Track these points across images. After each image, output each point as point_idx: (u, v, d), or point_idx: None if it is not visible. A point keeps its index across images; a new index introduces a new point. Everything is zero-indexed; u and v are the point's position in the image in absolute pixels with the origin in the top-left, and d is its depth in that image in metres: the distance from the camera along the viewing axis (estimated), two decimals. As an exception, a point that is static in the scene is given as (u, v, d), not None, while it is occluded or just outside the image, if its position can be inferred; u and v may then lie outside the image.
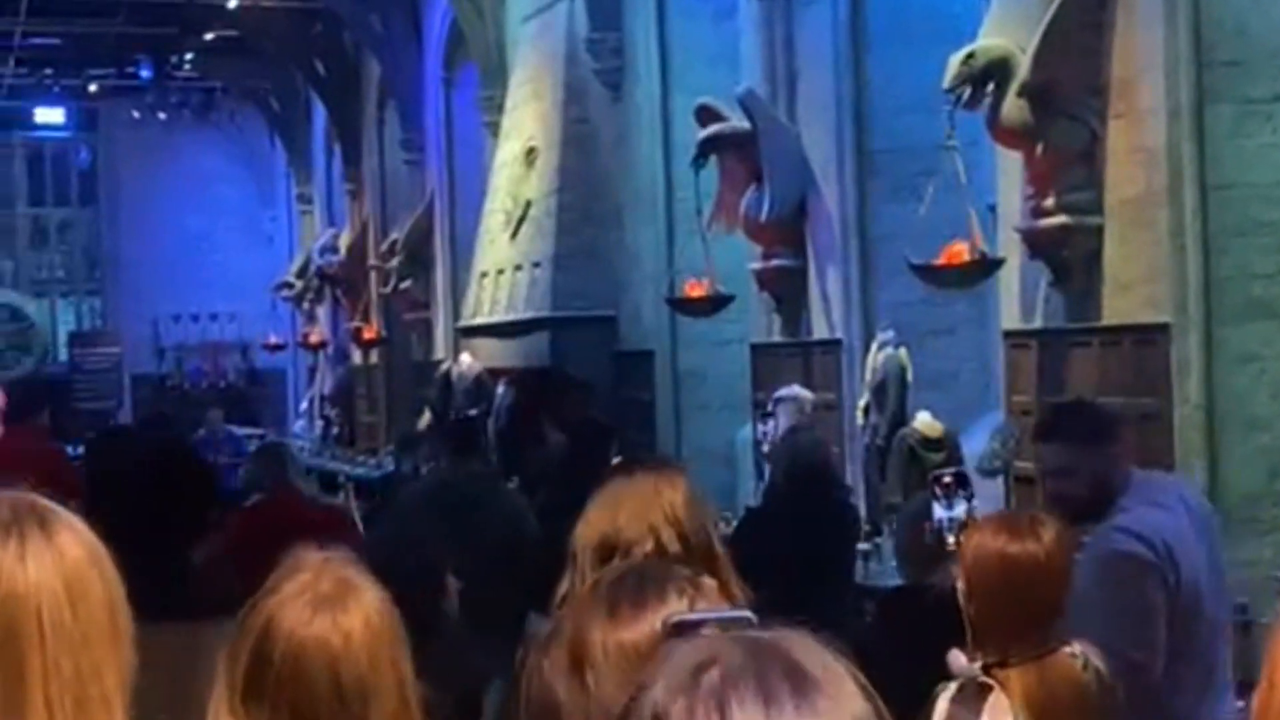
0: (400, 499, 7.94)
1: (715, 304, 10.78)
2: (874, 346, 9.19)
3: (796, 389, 8.97)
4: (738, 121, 10.11)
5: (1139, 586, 3.55)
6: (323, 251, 22.18)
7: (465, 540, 5.33)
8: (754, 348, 10.81)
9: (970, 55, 7.43)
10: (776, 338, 10.52)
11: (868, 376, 9.14)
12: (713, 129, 10.19)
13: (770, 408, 8.64)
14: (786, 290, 10.29)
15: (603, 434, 7.70)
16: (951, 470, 4.06)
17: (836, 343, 9.84)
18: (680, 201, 12.13)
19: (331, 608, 1.96)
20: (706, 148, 10.25)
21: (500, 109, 15.37)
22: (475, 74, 16.55)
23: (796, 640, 1.05)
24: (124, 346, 28.18)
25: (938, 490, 3.88)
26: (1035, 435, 4.34)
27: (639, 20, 12.86)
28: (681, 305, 11.18)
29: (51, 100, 27.57)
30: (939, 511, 3.85)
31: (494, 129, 15.65)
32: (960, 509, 3.82)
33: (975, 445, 8.17)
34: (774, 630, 1.08)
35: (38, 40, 23.74)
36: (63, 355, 28.59)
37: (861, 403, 9.20)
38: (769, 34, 10.35)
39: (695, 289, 10.84)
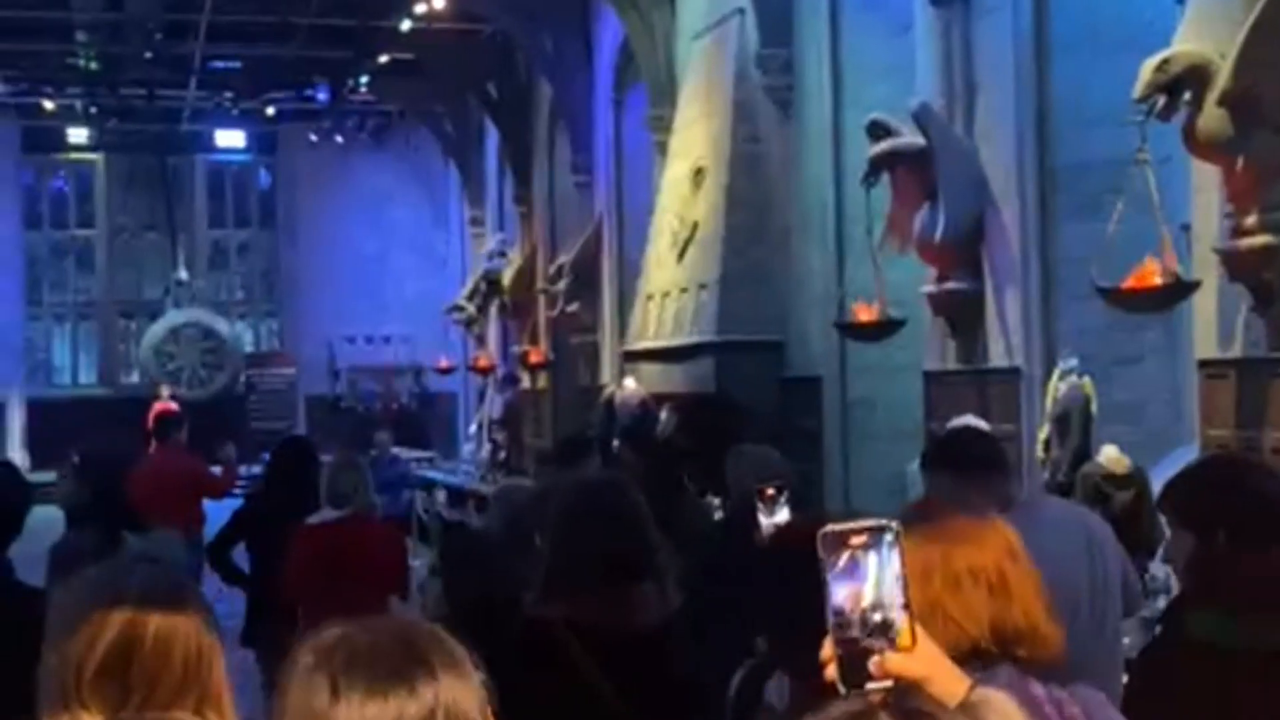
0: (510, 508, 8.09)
1: (886, 329, 10.31)
2: (1056, 375, 8.63)
3: (971, 419, 8.44)
4: (912, 137, 9.65)
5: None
6: (491, 256, 22.20)
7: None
8: (927, 375, 10.29)
9: (1164, 62, 6.89)
10: (951, 365, 10.00)
11: (1049, 407, 8.59)
12: (885, 145, 9.74)
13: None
14: (962, 315, 9.77)
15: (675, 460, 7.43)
16: (773, 483, 4.35)
17: (1015, 371, 9.28)
18: (851, 222, 11.74)
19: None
20: (879, 165, 9.81)
21: (669, 129, 15.14)
22: (645, 94, 16.34)
23: None
24: (299, 367, 28.62)
25: (760, 502, 4.23)
26: (920, 464, 4.53)
27: (811, 35, 12.49)
28: (851, 330, 10.73)
29: (231, 123, 28.18)
30: (763, 519, 4.18)
31: (662, 149, 15.42)
32: (781, 515, 4.15)
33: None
34: None
35: (218, 64, 24.25)
36: (240, 375, 29.12)
37: (1042, 436, 8.65)
38: (946, 45, 9.87)
39: (866, 313, 10.38)
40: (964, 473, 3.99)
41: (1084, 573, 3.92)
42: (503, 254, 22.04)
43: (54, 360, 30.87)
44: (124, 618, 2.01)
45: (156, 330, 28.75)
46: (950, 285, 9.71)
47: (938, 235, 9.43)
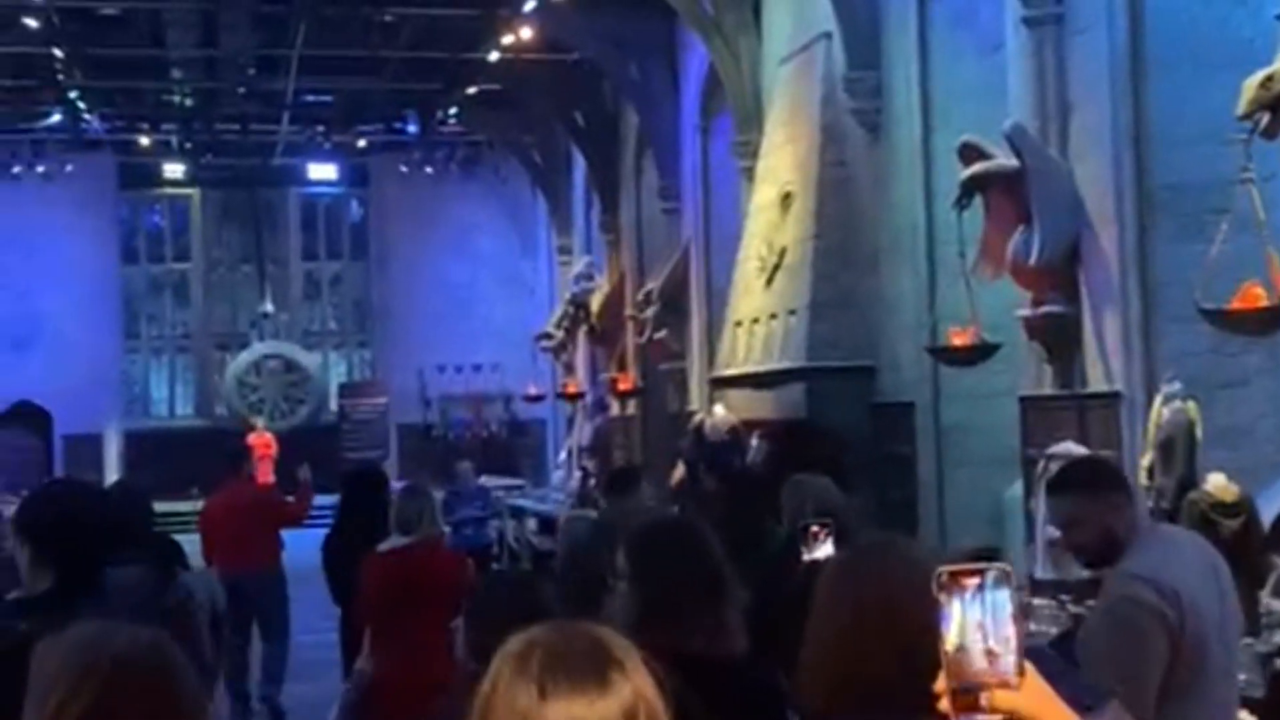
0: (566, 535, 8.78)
1: (981, 353, 10.13)
2: (1158, 400, 8.39)
3: (1070, 446, 8.25)
4: (1004, 159, 9.48)
5: (1138, 627, 3.66)
6: (578, 280, 22.21)
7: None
8: (1024, 400, 10.08)
9: (1268, 79, 6.73)
10: (1048, 390, 9.78)
11: (1151, 433, 8.35)
12: (977, 167, 9.58)
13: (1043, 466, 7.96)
14: (1059, 339, 9.56)
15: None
16: (819, 522, 4.46)
17: (1115, 395, 9.06)
18: (942, 245, 11.57)
19: None
20: (971, 187, 9.66)
21: (756, 154, 15.06)
22: (731, 120, 16.28)
23: None
24: (391, 396, 28.80)
25: (805, 538, 4.38)
26: (1046, 490, 4.54)
27: (899, 57, 12.36)
28: (945, 355, 10.55)
29: (323, 156, 28.50)
30: (806, 555, 4.31)
31: (749, 174, 15.35)
32: (823, 550, 4.28)
33: (1275, 509, 7.34)
34: None
35: (310, 98, 24.54)
36: (333, 405, 29.38)
37: (1145, 462, 8.40)
38: (1038, 64, 9.69)
39: (959, 337, 10.21)
40: (1094, 494, 3.93)
41: (1215, 602, 3.81)
42: (590, 277, 22.05)
43: (151, 393, 31.32)
44: (97, 684, 1.99)
45: (240, 362, 29.08)
46: (1046, 308, 9.52)
47: (1032, 258, 9.24)
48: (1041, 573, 8.54)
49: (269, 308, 29.61)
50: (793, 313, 13.11)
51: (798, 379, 12.86)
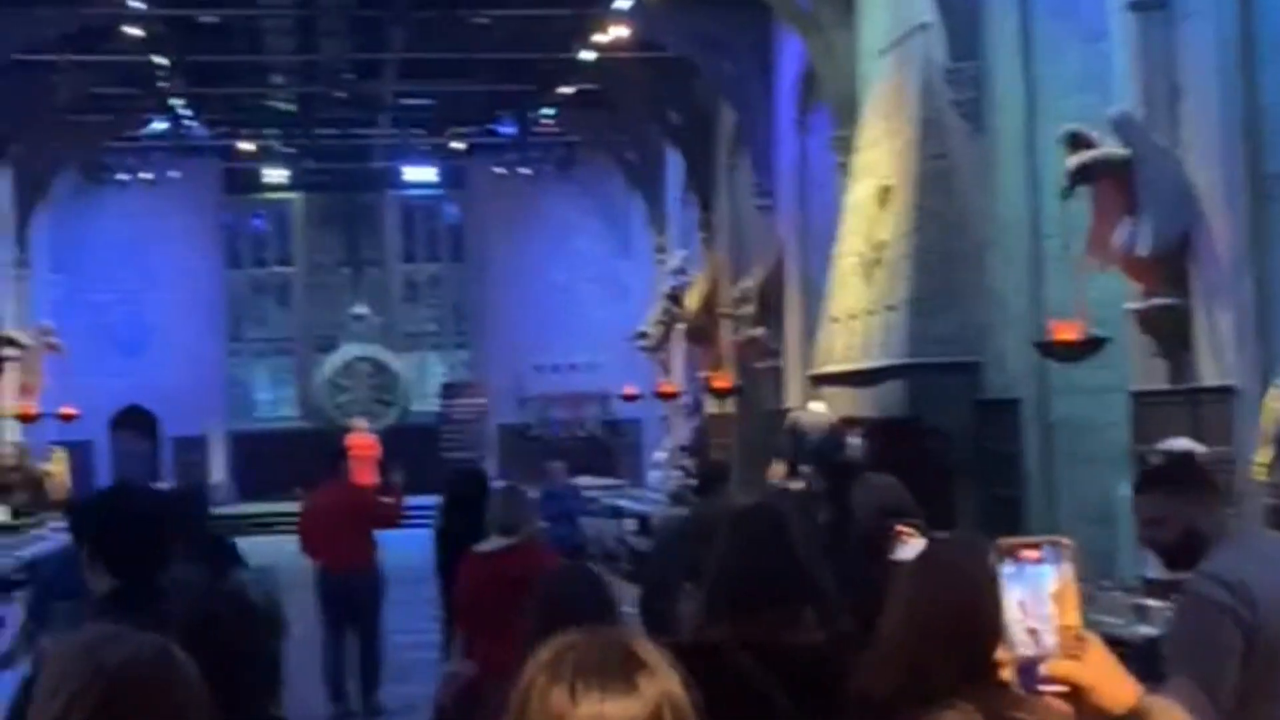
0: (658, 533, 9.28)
1: (1089, 348, 9.91)
2: (1273, 393, 8.14)
3: (1183, 442, 8.03)
4: (1112, 148, 9.26)
5: (1207, 622, 3.67)
6: (674, 274, 22.16)
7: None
8: (1134, 395, 9.84)
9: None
10: (1159, 385, 9.54)
11: (1267, 428, 8.09)
12: (1084, 156, 9.37)
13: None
14: (1169, 332, 9.32)
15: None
16: (904, 522, 4.54)
17: (1228, 390, 8.81)
18: (1047, 238, 11.37)
19: None
20: (1077, 178, 9.45)
21: (853, 149, 14.87)
22: (828, 115, 16.13)
23: None
24: (490, 397, 28.92)
25: (894, 538, 4.43)
26: (1134, 489, 4.45)
27: (1001, 46, 12.14)
28: (1052, 349, 10.32)
29: (421, 159, 28.70)
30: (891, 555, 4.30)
31: (846, 170, 15.16)
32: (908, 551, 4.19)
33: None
34: None
35: (407, 101, 24.71)
36: (433, 406, 29.56)
37: (1259, 458, 8.15)
38: (1145, 51, 9.45)
39: (1067, 331, 9.98)
40: (1179, 493, 3.93)
41: None
42: (684, 271, 21.97)
43: (254, 395, 31.75)
44: (98, 692, 2.00)
45: (331, 363, 29.32)
46: (1156, 301, 9.28)
47: (1142, 249, 9.02)
48: (1154, 573, 8.31)
49: (361, 310, 29.86)
50: (893, 308, 12.92)
51: (899, 375, 12.67)
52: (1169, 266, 9.16)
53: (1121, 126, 9.12)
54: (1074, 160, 9.47)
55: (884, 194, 13.54)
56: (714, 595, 3.46)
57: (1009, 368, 12.00)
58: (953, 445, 12.09)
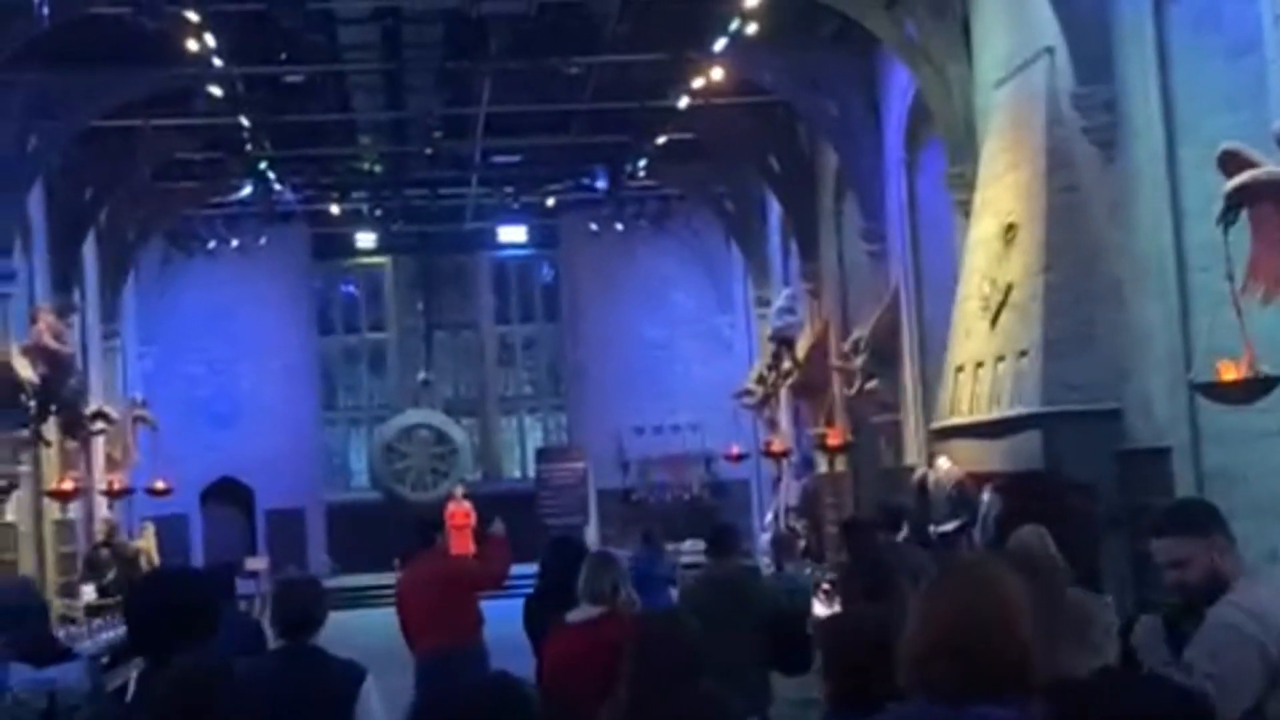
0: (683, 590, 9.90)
1: (1256, 389, 8.89)
2: None
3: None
4: (1274, 166, 8.32)
5: (1236, 654, 3.91)
6: (780, 314, 21.21)
7: (728, 618, 7.40)
8: (1301, 441, 8.86)
9: None
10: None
11: None
12: (1244, 177, 8.43)
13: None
14: (1346, 369, 8.34)
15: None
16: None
17: None
18: (1195, 270, 10.39)
19: None
20: (1235, 200, 8.48)
21: (970, 186, 14.02)
22: (939, 152, 15.26)
23: None
24: (589, 461, 28.18)
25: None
26: (1149, 533, 4.51)
27: (1134, 67, 11.22)
28: (1214, 391, 9.31)
29: (513, 218, 28.19)
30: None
31: (964, 208, 14.30)
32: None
33: None
34: None
35: (497, 158, 24.19)
36: (530, 471, 28.89)
37: None
38: (1307, 60, 8.52)
39: (1229, 371, 8.98)
40: (1203, 535, 4.16)
41: None
42: (792, 310, 21.02)
43: (350, 464, 31.25)
44: None
45: (390, 428, 28.66)
46: (1332, 334, 8.30)
47: (1316, 276, 8.06)
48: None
49: (428, 375, 29.31)
50: (1024, 354, 12.00)
51: (1032, 426, 11.73)
52: (1346, 296, 8.20)
53: (1287, 142, 8.19)
54: (1232, 181, 8.56)
55: (1009, 232, 12.65)
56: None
57: (1155, 413, 11.04)
58: (1098, 499, 11.11)
